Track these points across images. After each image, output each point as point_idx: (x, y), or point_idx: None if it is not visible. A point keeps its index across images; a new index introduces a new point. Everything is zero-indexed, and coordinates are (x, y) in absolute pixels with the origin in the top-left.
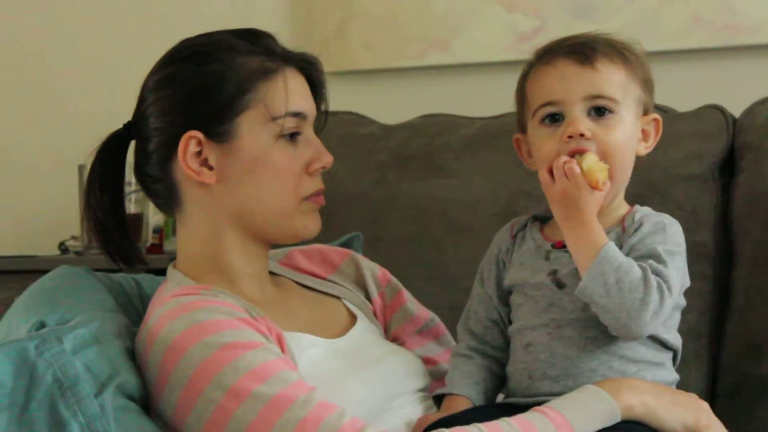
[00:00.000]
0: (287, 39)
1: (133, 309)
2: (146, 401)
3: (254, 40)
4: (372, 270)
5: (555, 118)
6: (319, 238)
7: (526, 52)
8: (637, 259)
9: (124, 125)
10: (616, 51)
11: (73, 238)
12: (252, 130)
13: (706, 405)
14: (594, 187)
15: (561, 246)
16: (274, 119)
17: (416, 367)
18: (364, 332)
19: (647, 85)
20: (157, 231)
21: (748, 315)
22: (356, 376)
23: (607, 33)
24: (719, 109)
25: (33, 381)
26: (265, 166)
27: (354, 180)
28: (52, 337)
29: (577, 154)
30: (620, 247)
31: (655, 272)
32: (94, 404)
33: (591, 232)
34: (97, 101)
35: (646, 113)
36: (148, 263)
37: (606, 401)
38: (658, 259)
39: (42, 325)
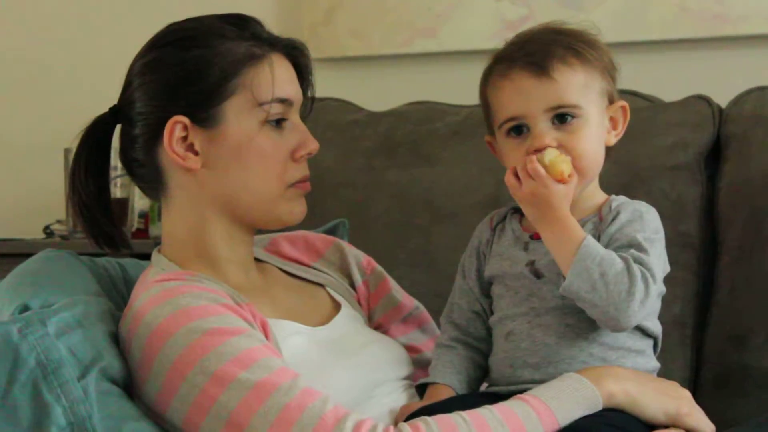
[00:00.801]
0: (275, 25)
1: (118, 293)
2: (129, 385)
3: (241, 25)
4: (357, 257)
5: (520, 130)
6: (305, 225)
7: None
8: (618, 249)
9: (110, 109)
10: (571, 50)
11: (59, 221)
12: (238, 115)
13: (687, 393)
14: (560, 181)
15: (539, 237)
16: (260, 105)
17: (400, 355)
18: (348, 320)
19: (609, 73)
20: (143, 216)
21: (732, 305)
22: (339, 364)
23: (561, 23)
24: (705, 100)
25: (16, 364)
26: (250, 151)
27: (340, 167)
28: (35, 320)
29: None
30: (598, 237)
31: (638, 261)
32: (78, 388)
33: (566, 227)
34: (83, 84)
35: (612, 101)
36: (132, 247)
37: (588, 389)
38: (639, 247)
39: (26, 308)
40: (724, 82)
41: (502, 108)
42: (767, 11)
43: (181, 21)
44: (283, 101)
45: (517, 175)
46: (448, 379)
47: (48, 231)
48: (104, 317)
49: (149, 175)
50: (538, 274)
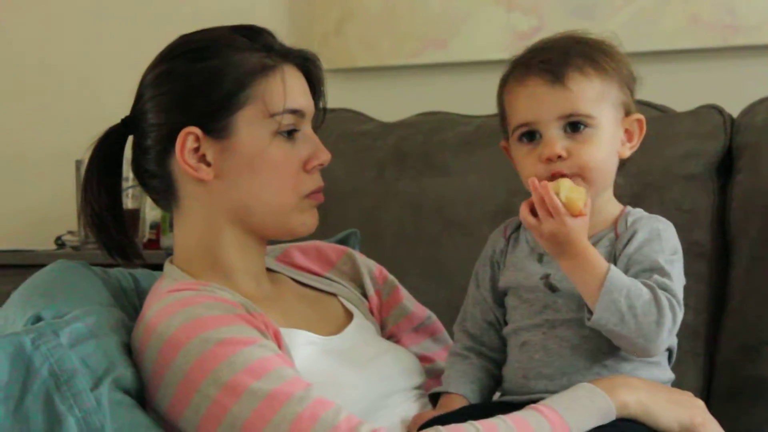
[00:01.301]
0: (286, 36)
1: (130, 304)
2: (142, 395)
3: (253, 37)
4: (369, 267)
5: (532, 136)
6: (317, 235)
7: None
8: (640, 273)
9: (122, 120)
10: (589, 61)
11: (70, 232)
12: (250, 126)
13: (701, 403)
14: (578, 215)
15: None
16: (272, 116)
17: (412, 365)
18: (360, 330)
19: (626, 84)
20: (154, 226)
21: (745, 315)
22: (352, 374)
23: (583, 32)
24: (717, 109)
25: (29, 374)
26: (263, 162)
27: (351, 177)
28: (48, 331)
29: (551, 181)
30: (614, 256)
31: (662, 287)
32: (90, 398)
33: (588, 260)
34: (95, 96)
35: (628, 113)
36: (144, 258)
37: (602, 399)
38: (662, 272)
39: (38, 318)
40: (735, 91)
41: (515, 113)
42: None
43: (192, 33)
44: (294, 112)
45: (533, 212)
46: (462, 389)
47: (60, 242)
48: (117, 328)
49: (161, 186)
50: (553, 288)
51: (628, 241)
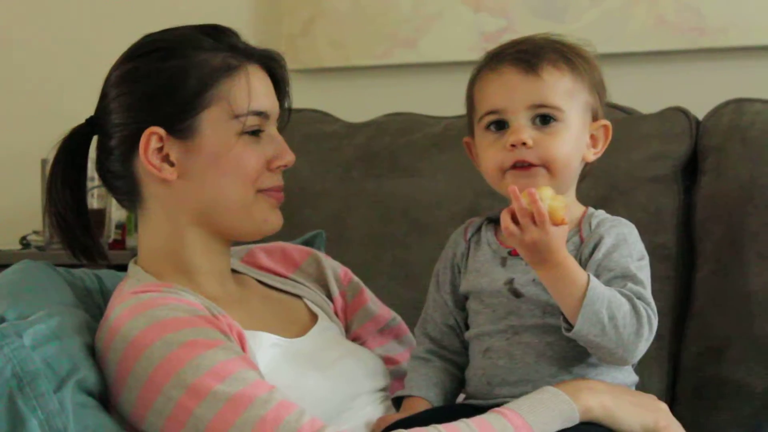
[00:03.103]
0: (253, 35)
1: (95, 304)
2: (106, 397)
3: (217, 36)
4: (334, 269)
5: (500, 125)
6: (282, 236)
7: None
8: (612, 280)
9: (87, 120)
10: (563, 57)
11: (35, 232)
12: (214, 127)
13: (664, 406)
14: (560, 224)
15: (517, 253)
16: (236, 117)
17: (376, 367)
18: (325, 331)
19: (597, 89)
20: (120, 227)
21: (709, 317)
22: (315, 376)
23: (559, 35)
24: (683, 111)
25: None
26: (227, 162)
27: (318, 178)
28: (11, 332)
29: (533, 189)
30: (580, 260)
31: (638, 296)
32: (54, 400)
33: (568, 269)
34: (59, 95)
35: (595, 118)
36: (110, 259)
37: (565, 402)
38: (634, 279)
39: (2, 319)
40: (701, 94)
41: (485, 99)
42: (744, 23)
43: (157, 32)
44: (258, 114)
45: (514, 220)
46: (424, 392)
47: (24, 242)
48: (81, 329)
49: (125, 187)
50: (517, 294)
51: (596, 246)
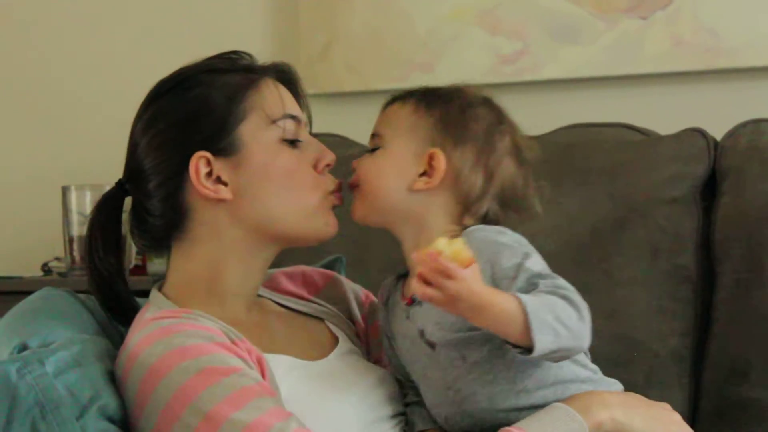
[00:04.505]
0: (271, 60)
1: (116, 331)
2: (126, 423)
3: (231, 60)
4: (355, 291)
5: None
6: (303, 261)
7: (508, 74)
8: (523, 289)
9: (117, 183)
10: (413, 94)
11: (57, 259)
12: (255, 136)
13: (678, 417)
14: (469, 265)
15: (411, 302)
16: (273, 122)
17: (394, 391)
18: (346, 354)
19: (442, 124)
20: (141, 253)
21: (730, 338)
22: (336, 399)
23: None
24: (701, 132)
25: (15, 403)
26: (276, 170)
27: None
28: (33, 360)
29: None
30: None
31: (557, 287)
32: (76, 427)
33: (497, 302)
34: (80, 122)
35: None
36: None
37: (575, 421)
38: (539, 275)
39: (24, 347)
40: (719, 114)
41: None
42: (760, 43)
43: (170, 74)
44: (293, 117)
45: (425, 281)
46: (431, 425)
47: (46, 268)
48: (101, 356)
49: (164, 225)
50: (431, 345)
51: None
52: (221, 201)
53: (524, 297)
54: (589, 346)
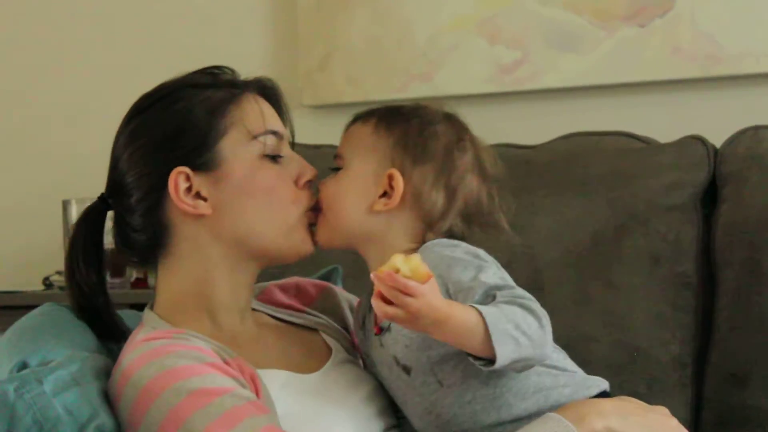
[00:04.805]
0: (271, 72)
1: (117, 346)
2: None
3: (214, 74)
4: (349, 301)
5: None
6: (300, 271)
7: (508, 83)
8: (479, 301)
9: (99, 197)
10: (374, 114)
11: (58, 273)
12: (236, 151)
13: (675, 422)
14: (427, 280)
15: (379, 331)
16: (254, 137)
17: (389, 403)
18: (340, 365)
19: (402, 145)
20: None
21: (731, 344)
22: (329, 413)
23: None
24: (700, 140)
25: (13, 423)
26: (256, 185)
27: None
28: (32, 379)
29: (390, 263)
30: None
31: (515, 296)
32: None
33: (457, 314)
34: (80, 137)
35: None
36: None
37: (568, 430)
38: (495, 287)
39: (24, 365)
40: (718, 122)
41: None
42: (759, 51)
43: (152, 88)
44: (275, 133)
45: (385, 299)
46: None
47: (47, 282)
48: (100, 374)
49: (147, 241)
50: (407, 370)
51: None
52: (201, 216)
53: (483, 308)
54: (586, 349)
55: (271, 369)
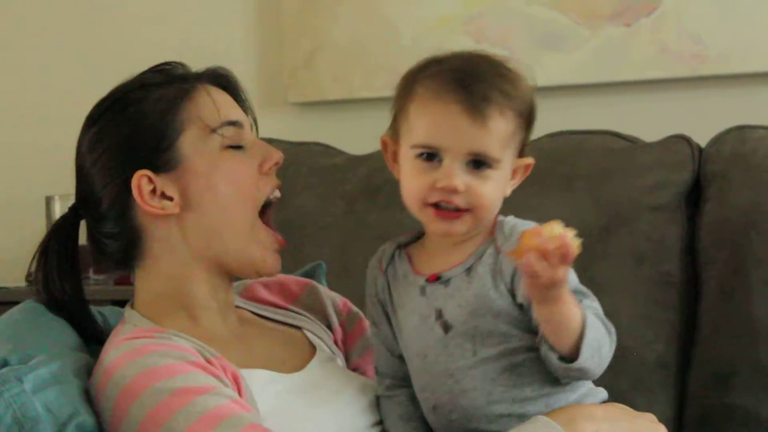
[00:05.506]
0: (255, 69)
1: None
2: None
3: (164, 71)
4: (332, 299)
5: (431, 156)
6: (286, 268)
7: None
8: None
9: (70, 208)
10: (509, 101)
11: None
12: (195, 147)
13: (662, 429)
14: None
15: (434, 279)
16: (213, 131)
17: (374, 399)
18: (324, 363)
19: (530, 125)
20: None
21: (715, 344)
22: (313, 412)
23: (502, 60)
24: (685, 139)
25: None
26: (220, 177)
27: (321, 210)
28: (12, 377)
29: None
30: (499, 272)
31: (599, 314)
32: None
33: (568, 303)
34: (63, 133)
35: (521, 152)
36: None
37: None
38: (584, 294)
39: (5, 363)
40: (703, 121)
41: (421, 131)
42: (746, 50)
43: (106, 94)
44: (233, 123)
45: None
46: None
47: (30, 279)
48: (81, 372)
49: (121, 246)
50: (447, 327)
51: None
52: (169, 216)
53: (587, 312)
54: None
55: (254, 369)
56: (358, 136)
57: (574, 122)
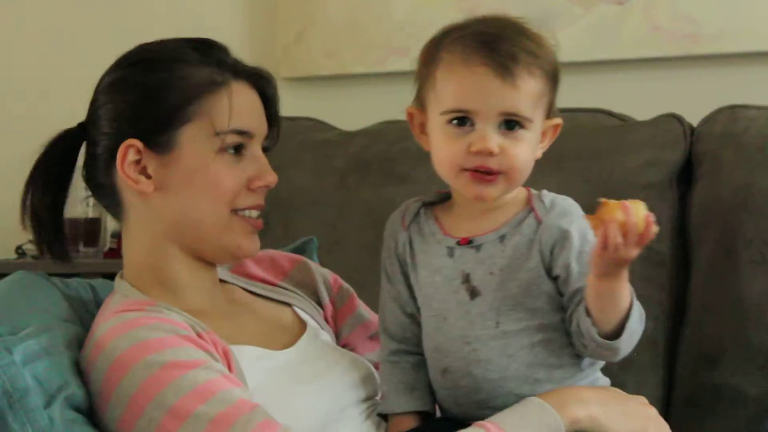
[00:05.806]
0: (248, 44)
1: (90, 316)
2: (93, 413)
3: (205, 51)
4: (323, 275)
5: (463, 121)
6: (278, 244)
7: None
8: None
9: (79, 124)
10: (536, 60)
11: (30, 241)
12: (193, 142)
13: (654, 412)
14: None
15: (465, 242)
16: (216, 134)
17: (365, 375)
18: (313, 340)
19: (556, 84)
20: (116, 235)
21: (704, 324)
22: (303, 388)
23: (523, 23)
24: (677, 118)
25: None
26: (203, 178)
27: (313, 186)
28: (1, 348)
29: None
30: (539, 242)
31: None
32: (44, 416)
33: (625, 282)
34: (51, 104)
35: (549, 115)
36: (71, 261)
37: (550, 416)
38: None
39: None
40: (695, 100)
41: (454, 96)
42: (738, 30)
43: (150, 42)
44: (240, 133)
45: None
46: (405, 404)
47: (20, 251)
48: (71, 344)
49: (109, 197)
50: (474, 292)
51: (563, 238)
52: (141, 192)
53: (635, 300)
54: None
55: (244, 345)
56: (350, 111)
57: (566, 100)
